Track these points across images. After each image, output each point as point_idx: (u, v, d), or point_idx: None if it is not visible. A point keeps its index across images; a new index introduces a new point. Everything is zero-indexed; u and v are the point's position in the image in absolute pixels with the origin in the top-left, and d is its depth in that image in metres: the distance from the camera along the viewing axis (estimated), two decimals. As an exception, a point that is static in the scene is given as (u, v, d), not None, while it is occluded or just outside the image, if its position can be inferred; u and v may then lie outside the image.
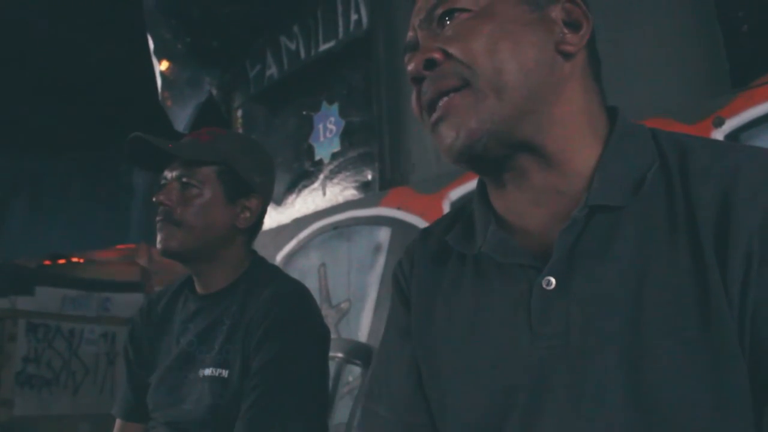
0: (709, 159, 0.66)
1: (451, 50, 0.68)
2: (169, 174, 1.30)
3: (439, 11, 0.71)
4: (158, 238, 1.27)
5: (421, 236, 0.88)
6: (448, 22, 0.70)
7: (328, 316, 2.64)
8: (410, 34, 0.76)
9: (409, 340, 0.81)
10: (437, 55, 0.69)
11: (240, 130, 3.52)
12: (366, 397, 0.84)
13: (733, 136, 1.62)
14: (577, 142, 0.70)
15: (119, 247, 6.16)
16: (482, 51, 0.67)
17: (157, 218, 1.27)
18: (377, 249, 2.55)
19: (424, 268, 0.84)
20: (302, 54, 3.16)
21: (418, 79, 0.71)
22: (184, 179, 1.28)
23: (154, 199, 1.27)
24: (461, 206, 0.86)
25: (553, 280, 0.67)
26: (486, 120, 0.67)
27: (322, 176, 2.94)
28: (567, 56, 0.70)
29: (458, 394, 0.73)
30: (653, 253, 0.64)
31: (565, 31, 0.70)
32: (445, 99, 0.68)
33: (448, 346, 0.76)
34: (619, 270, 0.64)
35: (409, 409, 0.78)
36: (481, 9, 0.69)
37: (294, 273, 2.76)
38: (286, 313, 1.22)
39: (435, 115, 0.70)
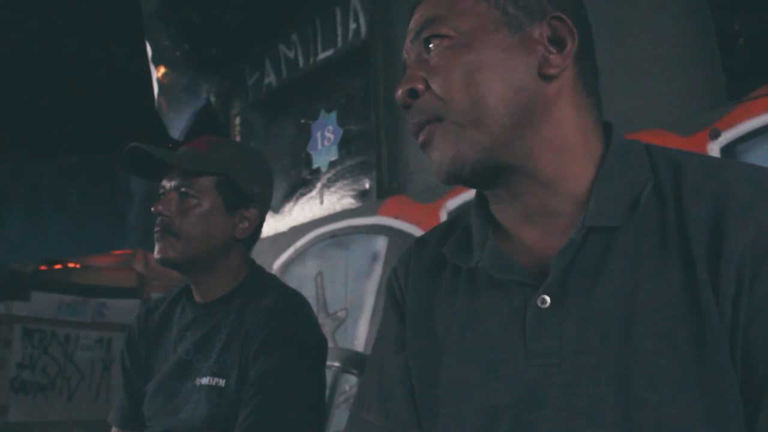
0: (702, 176, 0.66)
1: (431, 84, 0.70)
2: (167, 184, 1.30)
3: (424, 35, 0.73)
4: (156, 248, 1.27)
5: (416, 245, 0.88)
6: (432, 47, 0.72)
7: (325, 324, 2.64)
8: (404, 54, 0.78)
9: (402, 349, 0.81)
10: (420, 86, 0.71)
11: (238, 138, 3.52)
12: (355, 404, 0.84)
13: (730, 148, 1.63)
14: (570, 162, 0.71)
15: (116, 252, 6.13)
16: (459, 85, 0.69)
17: (156, 229, 1.27)
18: (374, 257, 2.55)
19: (419, 278, 0.84)
20: (301, 62, 3.16)
21: (406, 106, 0.73)
22: (183, 189, 1.28)
23: (152, 210, 1.27)
24: (457, 216, 0.87)
25: (548, 299, 0.68)
26: (467, 150, 0.69)
27: (319, 185, 2.94)
28: (551, 78, 0.70)
29: (451, 408, 0.73)
30: (646, 272, 0.64)
31: (551, 50, 0.70)
32: (427, 127, 0.71)
33: (442, 359, 0.76)
34: (612, 289, 0.65)
35: (399, 419, 0.78)
36: (460, 35, 0.70)
37: (291, 281, 2.76)
38: (284, 324, 1.22)
39: (420, 139, 0.72)
